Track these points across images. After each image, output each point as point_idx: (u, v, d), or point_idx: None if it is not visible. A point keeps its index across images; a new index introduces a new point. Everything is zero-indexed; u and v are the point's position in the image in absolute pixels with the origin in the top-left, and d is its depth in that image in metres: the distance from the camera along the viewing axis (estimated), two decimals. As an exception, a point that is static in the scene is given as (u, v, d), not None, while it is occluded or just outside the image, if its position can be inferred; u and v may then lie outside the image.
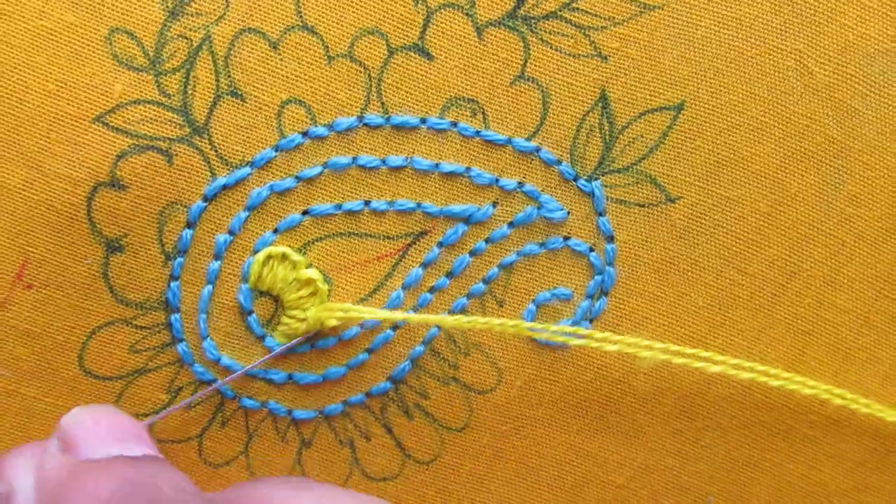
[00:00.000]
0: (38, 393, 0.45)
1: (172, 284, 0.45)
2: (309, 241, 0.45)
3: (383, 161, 0.45)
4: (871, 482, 0.51)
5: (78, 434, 0.40)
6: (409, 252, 0.46)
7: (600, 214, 0.46)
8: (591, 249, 0.46)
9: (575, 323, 0.47)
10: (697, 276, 0.47)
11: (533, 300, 0.46)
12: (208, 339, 0.46)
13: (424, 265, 0.46)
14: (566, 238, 0.46)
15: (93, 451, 0.40)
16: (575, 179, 0.46)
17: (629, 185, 0.46)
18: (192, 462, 0.47)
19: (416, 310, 0.46)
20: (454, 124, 0.45)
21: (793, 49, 0.45)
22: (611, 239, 0.46)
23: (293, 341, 0.45)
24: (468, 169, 0.45)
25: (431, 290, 0.46)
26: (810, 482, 0.50)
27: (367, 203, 0.45)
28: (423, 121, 0.45)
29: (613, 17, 0.44)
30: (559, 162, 0.45)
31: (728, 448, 0.49)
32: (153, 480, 0.38)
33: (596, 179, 0.46)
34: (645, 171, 0.46)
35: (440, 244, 0.46)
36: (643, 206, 0.46)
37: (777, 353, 0.48)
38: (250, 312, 0.45)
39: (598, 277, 0.46)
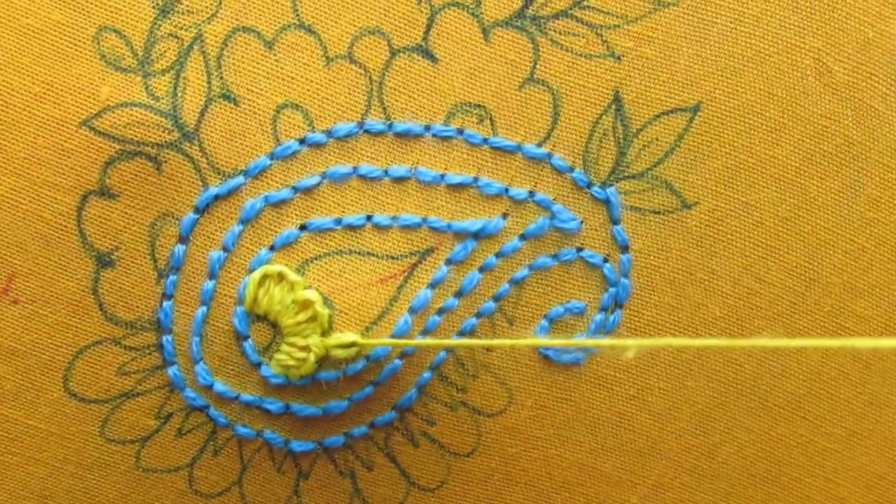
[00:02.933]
0: (20, 415, 0.44)
1: (165, 304, 0.43)
2: (308, 260, 0.44)
3: (386, 172, 0.43)
4: (890, 496, 0.50)
5: None
6: (415, 272, 0.44)
7: (615, 223, 0.44)
8: (606, 260, 0.45)
9: (589, 338, 0.45)
10: (714, 286, 0.45)
11: (545, 316, 0.45)
12: (201, 363, 0.44)
13: (432, 286, 0.44)
14: (580, 249, 0.45)
15: None
16: (588, 186, 0.44)
17: (644, 191, 0.44)
18: (182, 492, 0.46)
19: (424, 334, 0.45)
20: (460, 131, 0.44)
21: (811, 47, 0.44)
22: (626, 248, 0.45)
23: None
24: (476, 179, 0.44)
25: (440, 311, 0.45)
26: (829, 497, 0.49)
27: (369, 217, 0.44)
28: (428, 128, 0.43)
29: (626, 15, 0.43)
30: (572, 168, 0.44)
31: (745, 463, 0.48)
32: None
33: (610, 186, 0.44)
34: (660, 176, 0.44)
35: (448, 261, 0.44)
36: (658, 213, 0.45)
37: (795, 364, 0.47)
38: (246, 337, 0.44)
39: (612, 289, 0.45)
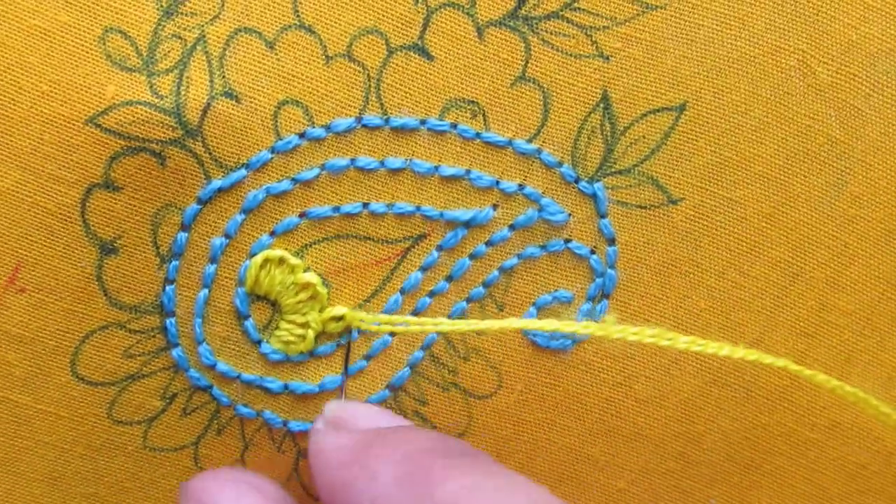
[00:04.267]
0: (29, 400, 0.45)
1: (167, 288, 0.44)
2: (306, 245, 0.44)
3: (382, 163, 0.44)
4: (872, 486, 0.51)
5: (352, 413, 0.42)
6: (408, 256, 0.45)
7: (602, 216, 0.45)
8: (593, 252, 0.46)
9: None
10: (699, 279, 0.46)
11: (533, 303, 0.46)
12: (204, 343, 0.45)
13: (423, 269, 0.45)
14: (567, 241, 0.46)
15: (372, 424, 0.42)
16: (576, 181, 0.45)
17: (631, 186, 0.45)
18: (188, 470, 0.47)
19: (414, 314, 0.46)
20: (454, 126, 0.44)
21: (795, 49, 0.45)
22: (612, 241, 0.46)
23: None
24: (468, 171, 0.45)
25: (430, 294, 0.45)
26: (812, 486, 0.50)
27: (365, 205, 0.44)
28: (423, 122, 0.44)
29: (615, 17, 0.44)
30: (560, 164, 0.45)
31: (730, 451, 0.49)
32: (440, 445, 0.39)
33: (597, 181, 0.45)
34: (647, 172, 0.45)
35: (440, 248, 0.45)
36: (645, 207, 0.45)
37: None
38: (247, 317, 0.45)
39: (599, 280, 0.46)
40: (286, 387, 0.46)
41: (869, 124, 0.46)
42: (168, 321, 0.45)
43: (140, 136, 0.42)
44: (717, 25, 0.44)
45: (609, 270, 0.46)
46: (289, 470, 0.47)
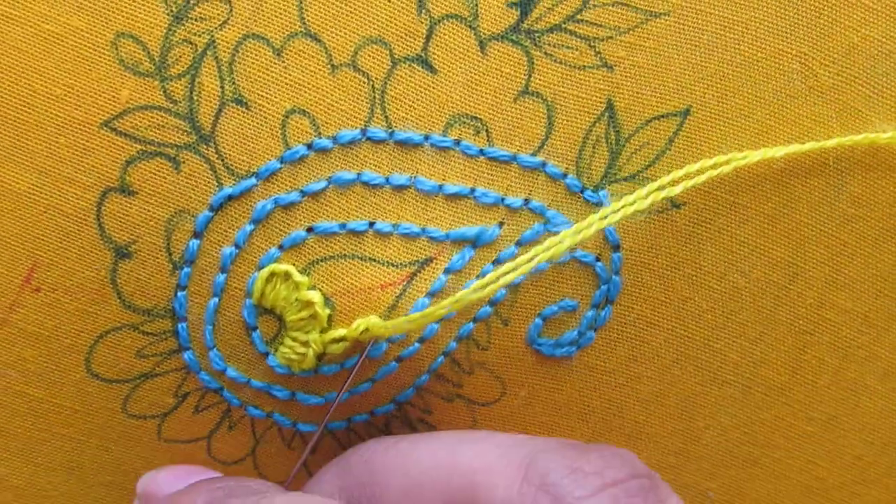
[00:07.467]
0: (45, 394, 0.46)
1: (179, 294, 0.45)
2: (314, 261, 0.45)
3: (387, 179, 0.44)
4: (868, 476, 0.52)
5: (153, 483, 0.45)
6: (414, 281, 0.45)
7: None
8: (598, 259, 0.46)
9: (580, 333, 0.46)
10: (701, 281, 0.47)
11: (539, 314, 0.46)
12: (214, 349, 0.46)
13: (431, 294, 0.45)
14: (572, 250, 0.46)
15: (173, 488, 0.44)
16: (581, 191, 0.45)
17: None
18: (203, 460, 0.48)
19: (422, 342, 0.46)
20: (457, 142, 0.44)
21: (797, 52, 0.45)
22: (617, 248, 0.46)
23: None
24: (473, 190, 0.45)
25: (438, 319, 0.45)
26: (809, 477, 0.51)
27: (371, 224, 0.44)
28: (427, 138, 0.44)
29: (619, 27, 0.44)
30: (565, 175, 0.45)
31: (728, 446, 0.50)
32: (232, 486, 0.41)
33: (602, 189, 0.45)
34: (651, 178, 0.45)
35: (447, 271, 0.45)
36: (649, 213, 0.45)
37: (778, 353, 0.48)
38: (255, 328, 0.45)
39: (604, 287, 0.46)
40: (293, 395, 0.46)
41: (869, 126, 0.46)
42: (180, 325, 0.45)
43: (155, 140, 0.43)
44: (720, 30, 0.44)
45: (614, 277, 0.46)
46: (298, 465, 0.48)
